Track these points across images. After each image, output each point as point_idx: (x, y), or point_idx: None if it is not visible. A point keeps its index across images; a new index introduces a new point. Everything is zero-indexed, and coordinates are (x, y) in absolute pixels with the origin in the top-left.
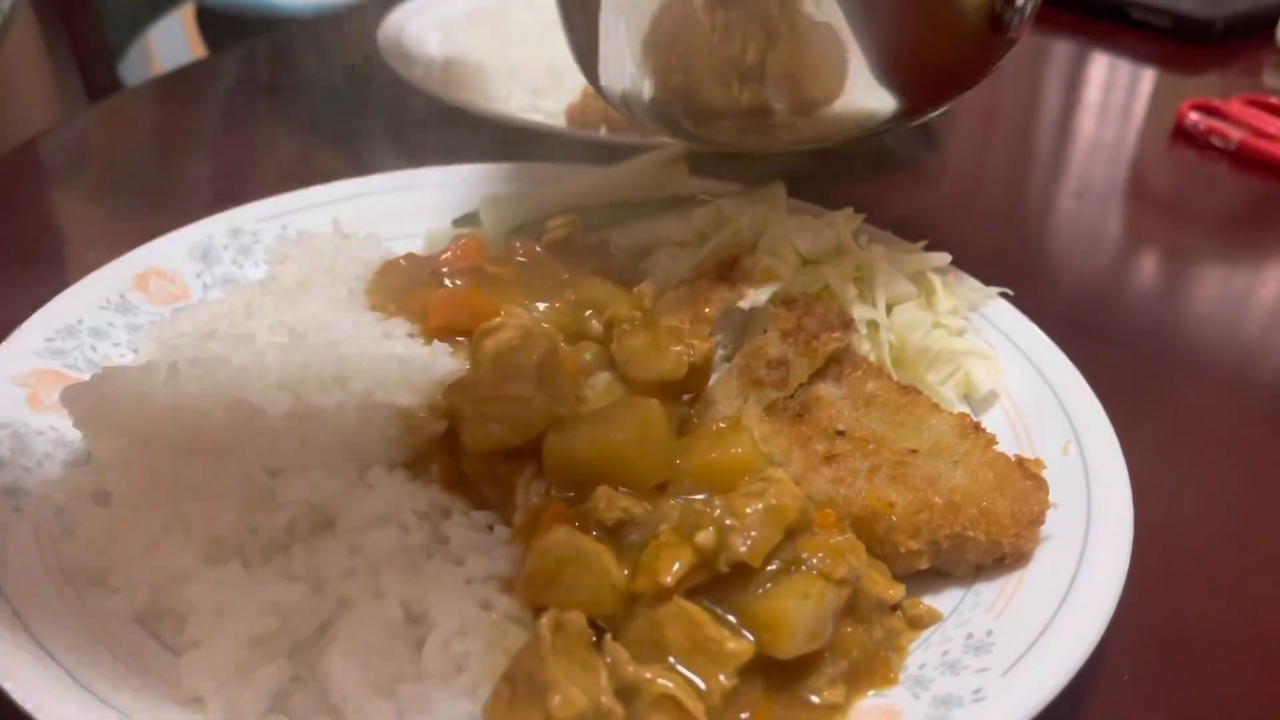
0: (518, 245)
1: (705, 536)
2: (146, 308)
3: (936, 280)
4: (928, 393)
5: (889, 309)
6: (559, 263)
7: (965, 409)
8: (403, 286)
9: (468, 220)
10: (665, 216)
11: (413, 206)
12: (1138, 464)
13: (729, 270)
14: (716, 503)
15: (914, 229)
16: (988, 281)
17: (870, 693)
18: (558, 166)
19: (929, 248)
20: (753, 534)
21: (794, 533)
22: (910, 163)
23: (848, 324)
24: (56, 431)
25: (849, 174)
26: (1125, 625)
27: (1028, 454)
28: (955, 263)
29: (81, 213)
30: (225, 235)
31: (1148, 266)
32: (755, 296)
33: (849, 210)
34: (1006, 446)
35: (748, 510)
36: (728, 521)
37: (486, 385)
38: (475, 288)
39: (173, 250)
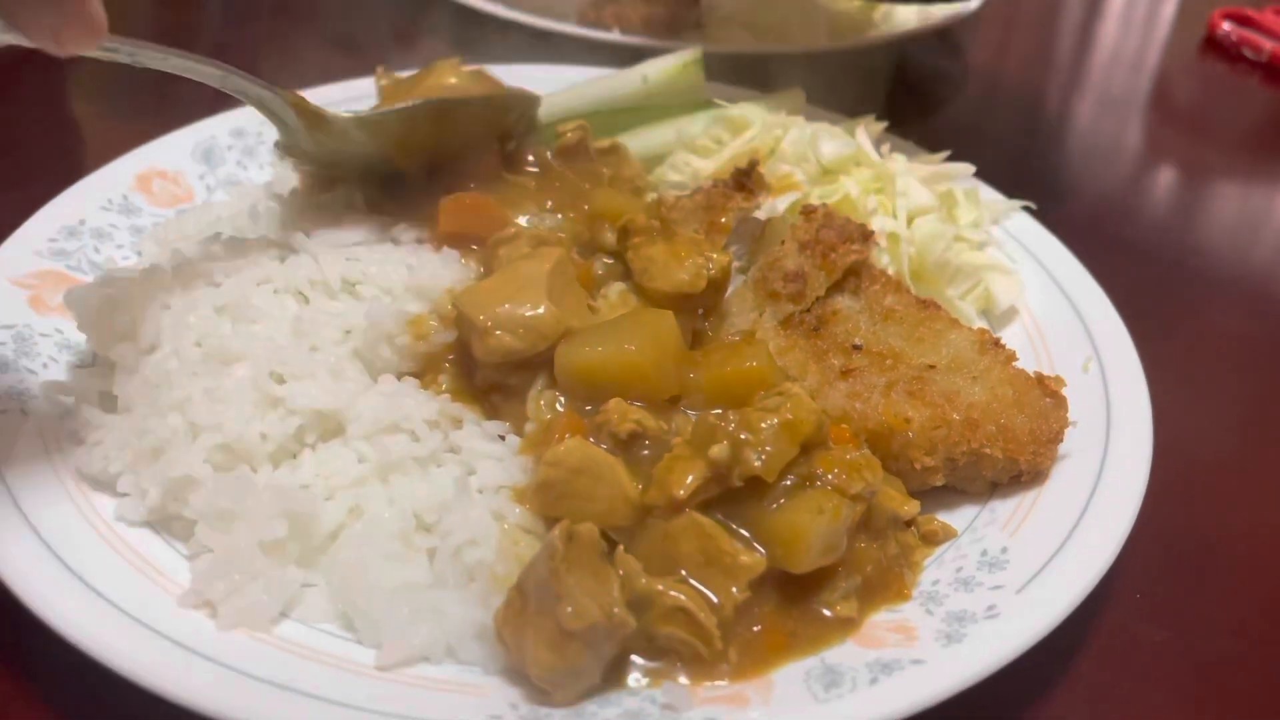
0: (529, 151)
1: (719, 450)
2: (149, 209)
3: (958, 192)
4: (947, 307)
5: (909, 221)
6: (571, 169)
7: (984, 324)
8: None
9: None
10: (680, 121)
11: None
12: (1156, 380)
13: (746, 178)
14: (731, 416)
15: (935, 139)
16: (1009, 194)
17: (883, 608)
18: (569, 68)
19: (951, 159)
20: (767, 448)
21: (809, 447)
22: (931, 71)
23: (867, 236)
24: (61, 334)
25: (869, 81)
26: (1138, 541)
27: (1047, 370)
28: (977, 174)
29: (79, 109)
30: (229, 136)
31: (1173, 181)
32: (772, 205)
33: (870, 118)
34: (1026, 363)
35: (762, 425)
36: (742, 435)
37: (497, 295)
38: (486, 194)
39: (175, 150)
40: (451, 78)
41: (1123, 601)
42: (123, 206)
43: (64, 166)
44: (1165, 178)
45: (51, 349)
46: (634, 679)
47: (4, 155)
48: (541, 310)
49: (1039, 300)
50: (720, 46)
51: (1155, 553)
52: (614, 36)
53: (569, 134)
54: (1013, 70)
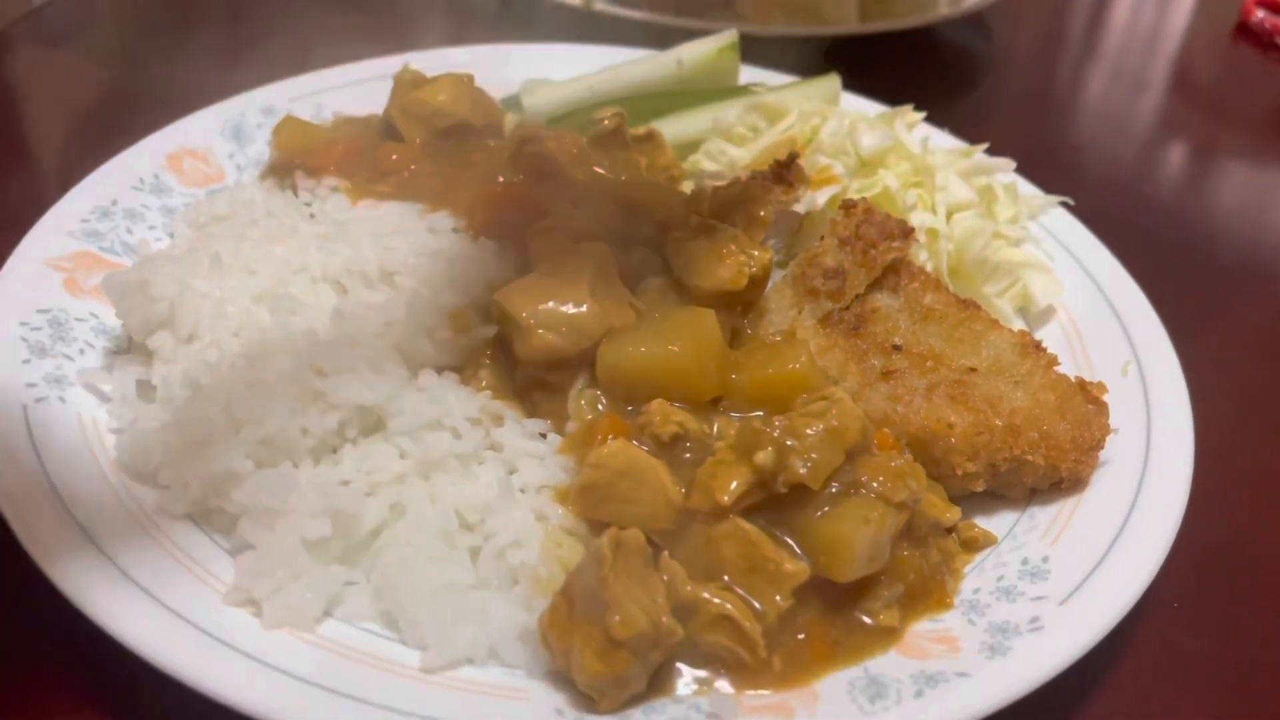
0: (569, 139)
1: (764, 457)
2: (180, 189)
3: (998, 187)
4: (984, 305)
5: (949, 216)
6: (607, 157)
7: (1022, 323)
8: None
9: (509, 104)
10: (715, 107)
11: None
12: (1196, 381)
13: (785, 170)
14: (776, 422)
15: (969, 126)
16: (1045, 184)
17: (926, 617)
18: (601, 49)
19: (988, 145)
20: (813, 456)
21: (854, 454)
22: (965, 55)
23: (907, 232)
24: (96, 319)
25: (905, 66)
26: (1176, 548)
27: (1085, 372)
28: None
29: (102, 86)
30: (258, 113)
31: (1204, 172)
32: (812, 199)
33: (909, 108)
34: (1064, 364)
35: (808, 431)
36: (788, 442)
37: (539, 292)
38: (523, 184)
39: (204, 129)
40: (442, 94)
41: (1161, 609)
42: (154, 186)
43: (90, 142)
44: (1196, 168)
45: (88, 334)
46: (680, 685)
47: (24, 129)
48: (584, 308)
49: (1077, 300)
50: (752, 27)
51: (1193, 560)
52: (644, 15)
53: (606, 121)
54: (1046, 53)
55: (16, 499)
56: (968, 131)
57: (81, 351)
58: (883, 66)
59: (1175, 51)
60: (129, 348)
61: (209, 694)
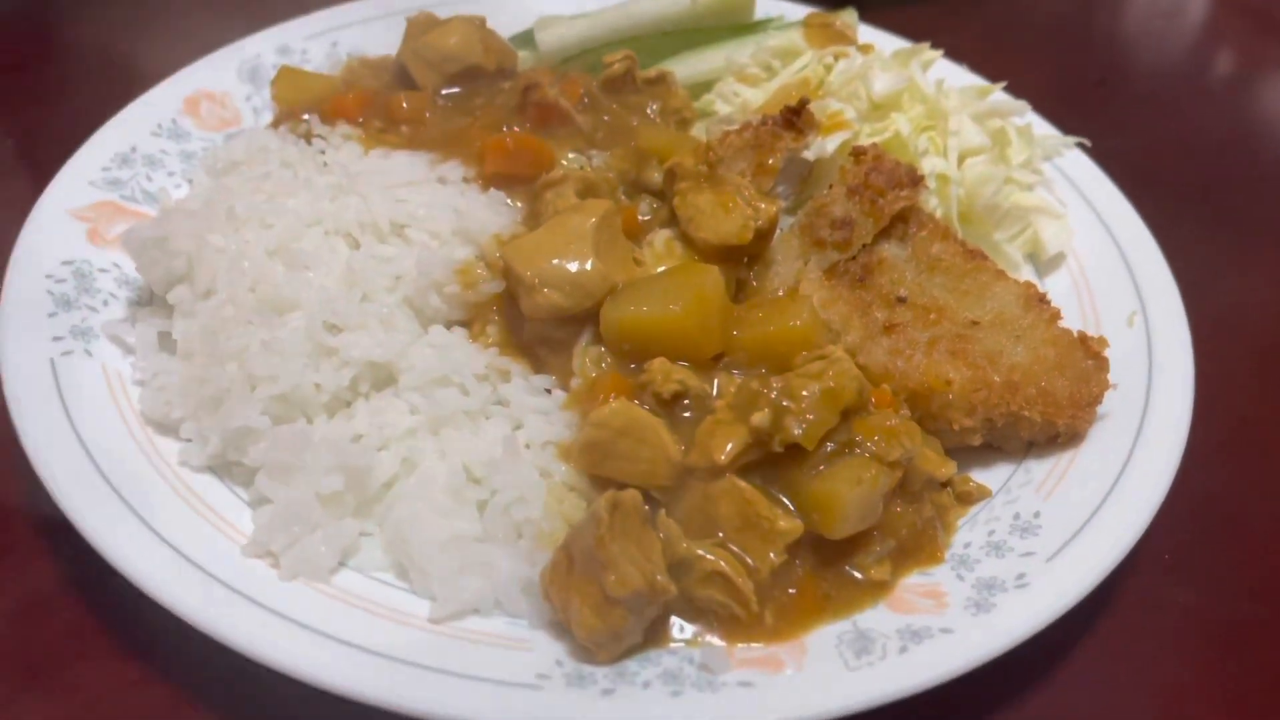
0: (575, 83)
1: (761, 418)
2: (198, 133)
3: (1011, 130)
4: (993, 251)
5: (960, 161)
6: (617, 101)
7: (1031, 269)
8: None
9: (521, 40)
10: (728, 46)
11: None
12: (1203, 330)
13: (796, 116)
14: (774, 383)
15: (990, 58)
16: (1062, 122)
17: (916, 570)
18: None
19: (1005, 84)
20: (809, 417)
21: (850, 413)
22: None
23: (916, 181)
24: (119, 269)
25: None
26: (1170, 501)
27: (1091, 322)
28: (1025, 93)
29: (113, 25)
30: (274, 54)
31: (1239, 111)
32: (822, 145)
33: (925, 46)
34: (1070, 311)
35: (804, 393)
36: (784, 403)
37: (544, 249)
38: (530, 132)
39: (221, 71)
40: (453, 38)
41: (1152, 562)
42: (172, 131)
43: (106, 83)
44: (1231, 106)
45: (111, 285)
46: (675, 634)
47: (49, 65)
48: (589, 266)
49: (1087, 246)
50: None
51: (1187, 513)
52: None
53: (615, 65)
54: None
55: (46, 452)
56: (987, 64)
57: (105, 303)
58: None
59: None
60: (151, 299)
61: (229, 644)
